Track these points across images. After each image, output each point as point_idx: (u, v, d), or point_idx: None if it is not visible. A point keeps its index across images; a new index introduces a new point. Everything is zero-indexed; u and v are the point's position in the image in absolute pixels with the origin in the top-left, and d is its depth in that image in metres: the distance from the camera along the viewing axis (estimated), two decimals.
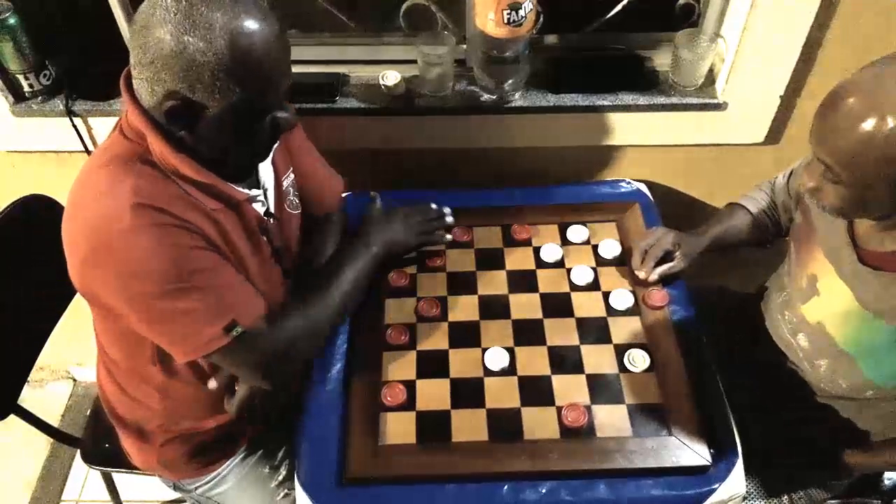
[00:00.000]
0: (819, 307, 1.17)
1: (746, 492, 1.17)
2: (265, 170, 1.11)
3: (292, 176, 1.19)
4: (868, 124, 0.89)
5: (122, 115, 0.97)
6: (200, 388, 1.13)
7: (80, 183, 0.97)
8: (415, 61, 1.42)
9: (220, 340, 0.96)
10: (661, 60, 1.50)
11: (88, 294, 0.99)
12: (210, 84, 0.86)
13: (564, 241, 1.39)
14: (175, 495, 1.35)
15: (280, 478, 1.30)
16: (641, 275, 1.28)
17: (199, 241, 0.95)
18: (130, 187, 0.90)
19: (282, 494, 1.29)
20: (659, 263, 1.28)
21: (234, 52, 0.85)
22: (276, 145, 1.06)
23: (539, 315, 1.28)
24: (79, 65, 1.42)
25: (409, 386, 1.18)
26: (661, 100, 1.44)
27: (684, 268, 1.29)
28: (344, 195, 1.34)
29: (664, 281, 1.30)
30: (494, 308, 1.29)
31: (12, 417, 1.35)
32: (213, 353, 0.97)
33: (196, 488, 1.29)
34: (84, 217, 0.93)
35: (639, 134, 1.51)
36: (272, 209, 1.12)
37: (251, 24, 0.86)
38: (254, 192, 1.06)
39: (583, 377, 1.19)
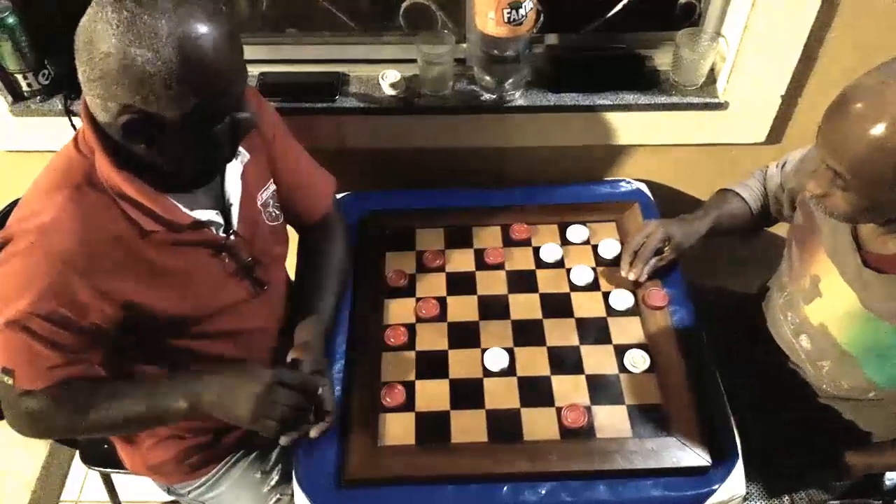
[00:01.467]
0: (822, 308, 1.16)
1: (747, 492, 1.16)
2: (232, 185, 1.07)
3: (272, 187, 1.17)
4: (878, 129, 0.88)
5: (79, 129, 0.96)
6: None
7: (31, 195, 0.96)
8: (415, 61, 1.41)
9: None
10: (662, 60, 1.49)
11: None
12: (163, 94, 0.84)
13: (564, 241, 1.39)
14: (171, 498, 1.34)
15: (272, 482, 1.28)
16: (631, 276, 1.28)
17: (75, 310, 0.92)
18: (66, 233, 0.90)
19: (274, 499, 1.28)
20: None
21: (183, 59, 0.82)
22: (247, 160, 1.06)
23: (539, 315, 1.28)
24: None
25: (409, 387, 1.18)
26: (662, 99, 1.44)
27: (675, 258, 1.29)
28: (340, 196, 1.32)
29: (662, 278, 1.30)
30: (494, 308, 1.29)
31: None
32: None
33: (189, 492, 1.28)
34: (18, 223, 0.93)
35: (639, 134, 1.51)
36: (236, 225, 1.07)
37: (197, 28, 0.83)
38: (205, 214, 1.02)
39: (582, 378, 1.19)
